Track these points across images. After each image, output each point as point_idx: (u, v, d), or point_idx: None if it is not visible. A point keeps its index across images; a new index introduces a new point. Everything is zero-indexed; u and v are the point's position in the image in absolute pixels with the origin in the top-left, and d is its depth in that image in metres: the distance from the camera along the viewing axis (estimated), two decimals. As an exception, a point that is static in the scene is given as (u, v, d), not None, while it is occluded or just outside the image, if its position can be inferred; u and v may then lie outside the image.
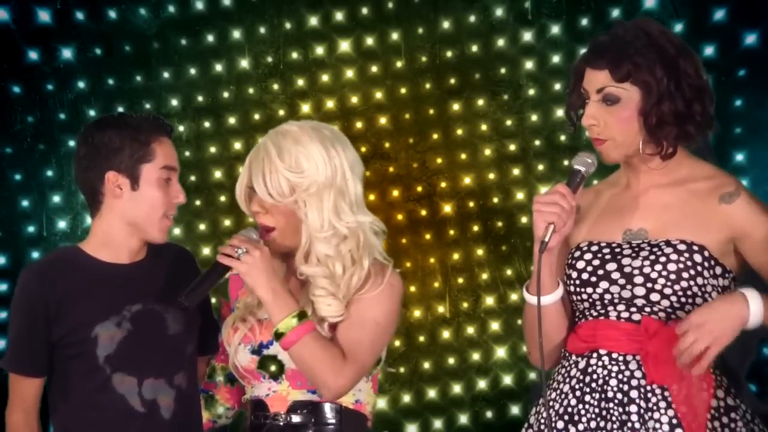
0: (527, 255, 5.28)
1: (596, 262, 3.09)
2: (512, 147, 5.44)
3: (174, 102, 5.46)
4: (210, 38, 5.47)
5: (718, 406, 3.03)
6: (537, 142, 5.43)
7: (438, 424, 5.43)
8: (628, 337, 3.04)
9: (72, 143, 5.21)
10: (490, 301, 5.44)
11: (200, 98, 5.47)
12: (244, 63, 5.46)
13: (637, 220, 3.12)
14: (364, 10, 5.45)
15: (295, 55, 5.45)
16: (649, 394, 3.01)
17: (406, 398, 5.43)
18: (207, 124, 5.47)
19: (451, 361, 5.43)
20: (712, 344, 2.89)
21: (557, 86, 5.37)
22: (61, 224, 5.42)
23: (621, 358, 3.05)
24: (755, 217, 3.04)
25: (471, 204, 5.44)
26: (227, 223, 5.42)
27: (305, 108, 5.43)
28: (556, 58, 5.39)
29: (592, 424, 3.04)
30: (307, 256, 3.18)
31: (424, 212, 5.45)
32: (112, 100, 5.40)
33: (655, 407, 3.00)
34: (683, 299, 3.02)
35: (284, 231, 3.19)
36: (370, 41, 5.46)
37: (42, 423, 3.28)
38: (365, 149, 5.40)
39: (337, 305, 3.15)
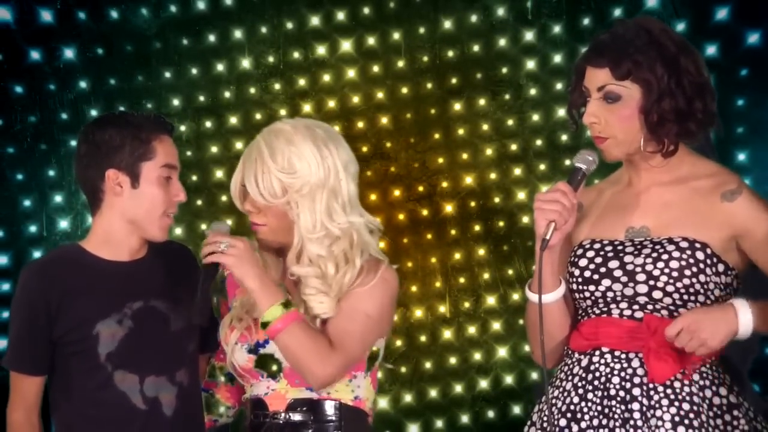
0: (528, 255, 5.28)
1: (599, 260, 3.09)
2: (513, 147, 5.44)
3: (175, 102, 5.47)
4: (211, 38, 5.47)
5: (720, 403, 3.03)
6: (538, 142, 5.43)
7: (439, 423, 5.43)
8: (630, 335, 3.04)
9: (73, 143, 5.21)
10: (491, 300, 5.44)
11: (201, 98, 5.47)
12: (246, 63, 5.46)
13: (640, 218, 3.11)
14: (366, 10, 5.46)
15: (296, 54, 5.46)
16: (652, 392, 3.01)
17: (408, 398, 5.43)
18: (208, 124, 5.48)
19: (453, 360, 5.43)
20: (701, 346, 2.92)
21: (558, 86, 5.38)
22: (63, 224, 5.42)
23: (623, 356, 3.05)
24: (757, 214, 3.04)
25: (472, 204, 5.44)
26: (228, 222, 5.40)
27: (306, 108, 5.44)
28: (557, 58, 5.39)
29: (595, 422, 3.04)
30: (299, 257, 3.17)
31: (425, 212, 5.45)
32: (113, 100, 5.41)
33: (657, 405, 3.00)
34: (686, 296, 3.02)
35: (277, 230, 3.18)
36: (371, 41, 5.46)
37: (43, 421, 3.28)
38: (366, 149, 5.40)
39: (329, 302, 3.14)
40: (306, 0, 5.45)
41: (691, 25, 5.25)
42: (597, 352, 3.08)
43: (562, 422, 3.07)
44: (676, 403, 3.00)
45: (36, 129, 5.41)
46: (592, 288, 3.09)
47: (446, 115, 5.45)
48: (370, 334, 3.17)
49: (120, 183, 3.20)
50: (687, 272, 3.01)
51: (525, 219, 5.38)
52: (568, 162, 5.25)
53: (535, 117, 5.43)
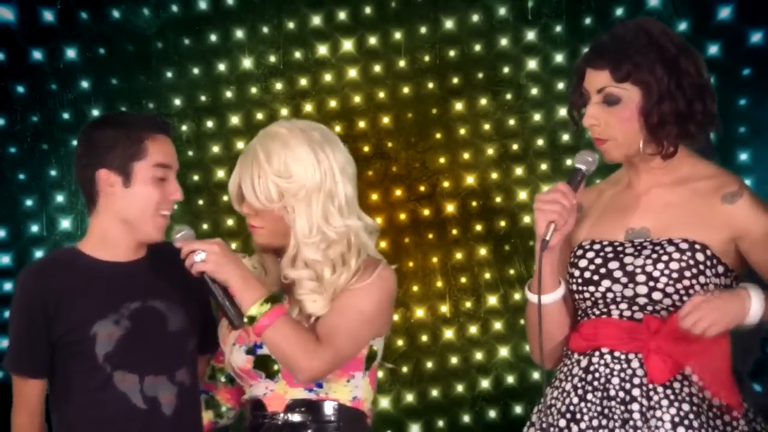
0: (529, 255, 5.27)
1: (598, 261, 3.09)
2: (514, 147, 5.43)
3: (176, 102, 5.46)
4: (212, 38, 5.47)
5: (720, 404, 3.03)
6: (539, 142, 5.42)
7: (440, 423, 5.43)
8: (629, 336, 3.04)
9: (74, 143, 5.20)
10: (492, 300, 5.43)
11: (202, 98, 5.47)
12: (247, 63, 5.45)
13: (640, 219, 3.11)
14: (367, 10, 5.45)
15: (297, 54, 5.45)
16: (651, 393, 3.01)
17: (409, 398, 5.43)
18: (209, 124, 5.47)
19: (454, 360, 5.43)
20: (711, 326, 2.91)
21: (560, 86, 5.37)
22: (64, 224, 5.42)
23: (623, 357, 3.05)
24: (757, 217, 3.04)
25: (473, 204, 5.44)
26: (230, 222, 5.42)
27: (308, 108, 5.43)
28: (558, 58, 5.39)
29: (594, 423, 3.04)
30: (294, 260, 3.16)
31: (426, 212, 5.44)
32: (114, 100, 5.40)
33: (657, 405, 3.00)
34: (685, 298, 3.01)
35: (274, 233, 3.18)
36: (372, 41, 5.46)
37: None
38: (367, 149, 5.40)
39: (323, 301, 3.14)
40: (307, 0, 5.45)
41: (693, 24, 5.24)
42: (596, 353, 3.08)
43: (562, 423, 3.07)
44: (676, 404, 3.00)
45: (37, 129, 5.41)
46: (591, 289, 3.09)
47: (447, 114, 5.45)
48: (362, 330, 3.15)
49: (112, 183, 3.19)
50: (687, 273, 3.01)
51: (526, 219, 5.38)
52: (569, 162, 5.25)
53: (537, 117, 5.42)
